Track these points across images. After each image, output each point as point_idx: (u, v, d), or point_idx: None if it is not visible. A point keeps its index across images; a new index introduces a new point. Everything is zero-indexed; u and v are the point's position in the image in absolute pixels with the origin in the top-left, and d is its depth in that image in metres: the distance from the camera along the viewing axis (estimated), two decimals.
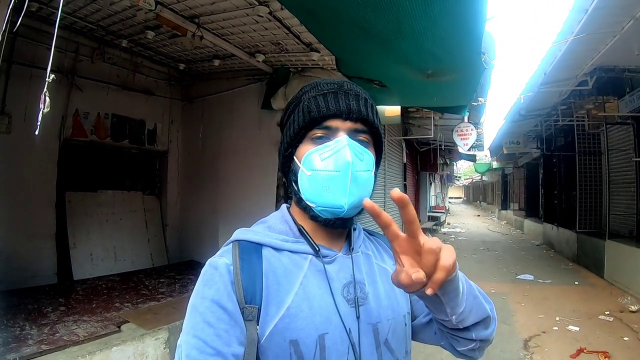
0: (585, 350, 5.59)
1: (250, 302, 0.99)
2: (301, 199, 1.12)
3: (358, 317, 1.07)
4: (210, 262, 1.06)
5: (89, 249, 6.98)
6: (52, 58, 2.07)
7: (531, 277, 10.33)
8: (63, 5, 4.92)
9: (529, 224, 20.58)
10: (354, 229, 1.24)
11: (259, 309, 0.99)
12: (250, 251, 1.08)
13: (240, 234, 1.14)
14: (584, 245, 11.99)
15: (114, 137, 7.43)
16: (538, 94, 10.26)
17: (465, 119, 12.39)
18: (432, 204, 25.95)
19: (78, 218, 6.94)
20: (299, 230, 1.16)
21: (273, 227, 1.18)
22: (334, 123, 1.09)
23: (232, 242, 1.13)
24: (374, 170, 1.13)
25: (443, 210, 26.51)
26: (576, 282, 9.91)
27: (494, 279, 10.21)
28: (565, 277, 10.58)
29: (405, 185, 14.95)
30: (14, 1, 2.49)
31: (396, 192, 0.79)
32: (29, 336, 4.32)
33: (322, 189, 1.05)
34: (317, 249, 1.12)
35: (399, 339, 1.14)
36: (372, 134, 1.16)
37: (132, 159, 8.17)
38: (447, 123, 12.79)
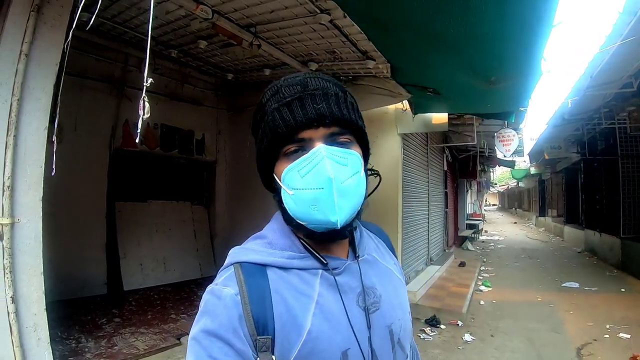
0: (639, 358, 5.46)
1: (262, 333, 0.93)
2: (291, 218, 1.03)
3: (369, 327, 1.03)
4: (212, 290, 0.98)
5: (139, 259, 7.00)
6: (148, 65, 2.00)
7: (576, 285, 10.13)
8: (114, 13, 4.95)
9: (569, 230, 20.06)
10: (355, 229, 1.16)
11: (273, 339, 0.93)
12: (255, 275, 1.00)
13: (240, 254, 1.06)
14: (628, 251, 11.64)
15: (164, 147, 7.47)
16: (583, 98, 10.02)
17: (506, 124, 12.15)
18: (469, 211, 25.54)
19: (128, 228, 6.96)
20: (303, 244, 1.07)
21: (274, 243, 1.09)
22: (306, 134, 0.99)
23: (232, 264, 1.03)
24: (362, 170, 1.04)
25: (481, 218, 26.03)
26: (622, 290, 9.69)
27: (539, 287, 10.03)
28: (611, 284, 10.34)
29: (446, 193, 14.71)
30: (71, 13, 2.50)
31: None
32: (86, 349, 4.30)
33: (310, 208, 0.97)
34: (325, 262, 1.05)
35: (407, 336, 1.15)
36: (353, 131, 1.06)
37: (181, 169, 8.20)
38: (486, 129, 12.52)
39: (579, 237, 17.57)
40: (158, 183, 7.77)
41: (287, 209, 1.02)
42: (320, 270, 1.04)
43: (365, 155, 1.12)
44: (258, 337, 0.92)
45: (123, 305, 5.87)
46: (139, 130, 1.86)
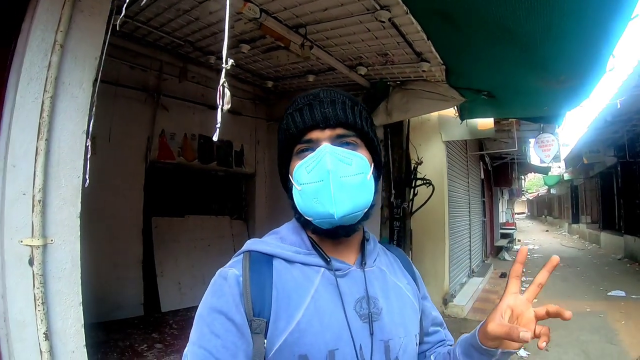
0: None
1: (258, 314, 0.98)
2: (300, 214, 1.11)
3: (372, 334, 1.05)
4: (220, 272, 1.06)
5: (177, 278, 6.68)
6: (227, 42, 1.64)
7: (623, 294, 9.91)
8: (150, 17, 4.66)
9: (606, 237, 19.64)
10: (367, 240, 1.23)
11: (267, 322, 0.98)
12: (261, 262, 1.07)
13: (251, 244, 1.13)
14: None
15: (202, 159, 7.15)
16: (629, 98, 9.71)
17: (542, 129, 11.81)
18: (502, 220, 25.04)
19: (165, 245, 6.65)
20: (311, 242, 1.14)
21: (285, 238, 1.16)
22: (313, 135, 1.08)
23: (243, 252, 1.11)
24: (370, 172, 1.09)
25: (514, 227, 25.53)
26: None
27: (585, 297, 9.82)
28: None
29: (484, 202, 14.35)
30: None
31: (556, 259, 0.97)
32: None
33: (312, 201, 1.04)
34: (329, 261, 1.10)
35: (410, 358, 1.14)
36: (361, 136, 1.13)
37: (219, 181, 7.92)
38: (520, 135, 12.23)
39: (617, 244, 17.24)
40: (196, 197, 7.46)
41: (296, 204, 1.10)
42: (323, 269, 1.09)
43: (375, 161, 1.16)
44: (254, 318, 0.97)
45: (163, 329, 5.54)
46: (218, 125, 1.53)
